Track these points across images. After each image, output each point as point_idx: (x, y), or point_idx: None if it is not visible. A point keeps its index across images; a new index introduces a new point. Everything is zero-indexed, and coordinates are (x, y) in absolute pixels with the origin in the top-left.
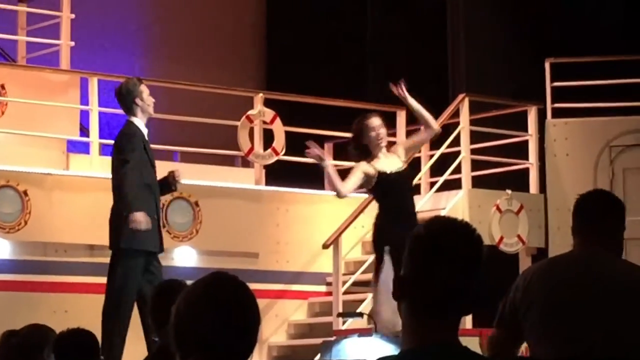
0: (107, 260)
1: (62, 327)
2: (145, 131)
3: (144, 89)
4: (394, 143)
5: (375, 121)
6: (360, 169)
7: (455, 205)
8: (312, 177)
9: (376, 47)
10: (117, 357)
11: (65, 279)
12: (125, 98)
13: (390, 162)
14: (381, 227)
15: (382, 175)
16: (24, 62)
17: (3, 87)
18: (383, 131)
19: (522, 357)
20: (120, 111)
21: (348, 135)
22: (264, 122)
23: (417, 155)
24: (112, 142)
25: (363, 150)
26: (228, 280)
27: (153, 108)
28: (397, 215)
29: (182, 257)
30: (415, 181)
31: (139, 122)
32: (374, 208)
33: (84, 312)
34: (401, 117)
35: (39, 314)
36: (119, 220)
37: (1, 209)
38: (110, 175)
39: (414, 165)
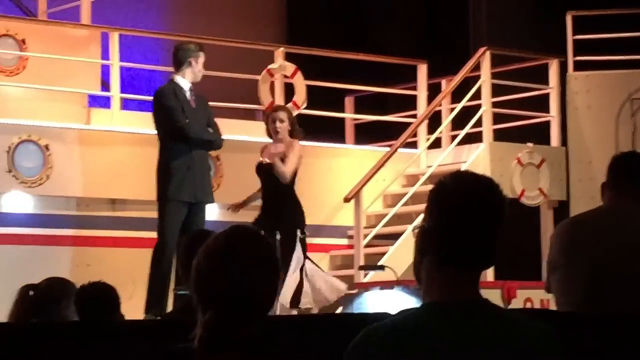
0: (128, 214)
1: (84, 281)
2: (187, 92)
3: (201, 56)
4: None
5: None
6: (298, 151)
7: (477, 158)
8: (334, 131)
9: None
10: (157, 306)
11: (87, 232)
12: (182, 54)
13: None
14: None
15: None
16: (44, 17)
17: (24, 42)
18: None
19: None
20: (140, 65)
21: (369, 88)
22: (285, 76)
23: (438, 108)
24: (132, 96)
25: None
26: (247, 233)
27: (198, 77)
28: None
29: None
30: (436, 134)
31: (184, 82)
32: (396, 160)
33: (106, 266)
34: (421, 71)
35: (62, 268)
36: (160, 171)
37: (23, 163)
38: (131, 130)
39: (434, 119)
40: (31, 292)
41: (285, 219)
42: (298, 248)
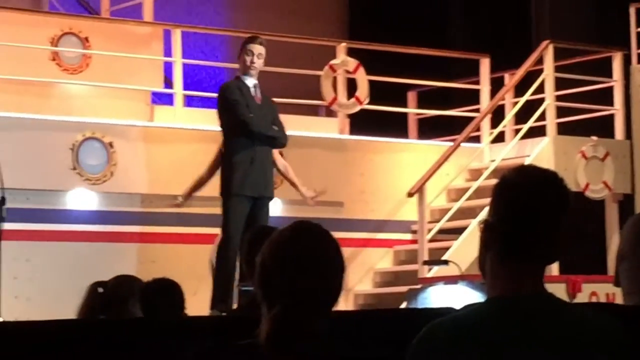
0: (192, 210)
1: (148, 278)
2: (252, 89)
3: (249, 48)
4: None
5: None
6: None
7: (541, 152)
8: (396, 126)
9: None
10: (222, 302)
11: (151, 229)
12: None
13: None
14: None
15: None
16: (107, 15)
17: (87, 40)
18: None
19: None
20: (203, 62)
21: (432, 83)
22: (347, 72)
23: (501, 102)
24: (195, 93)
25: None
26: (312, 229)
27: (250, 68)
28: None
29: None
30: (499, 128)
31: (249, 79)
32: (460, 155)
33: (170, 262)
34: (484, 65)
35: (126, 264)
36: (223, 166)
37: (87, 161)
38: (194, 126)
39: (497, 113)
40: (100, 289)
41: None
42: None
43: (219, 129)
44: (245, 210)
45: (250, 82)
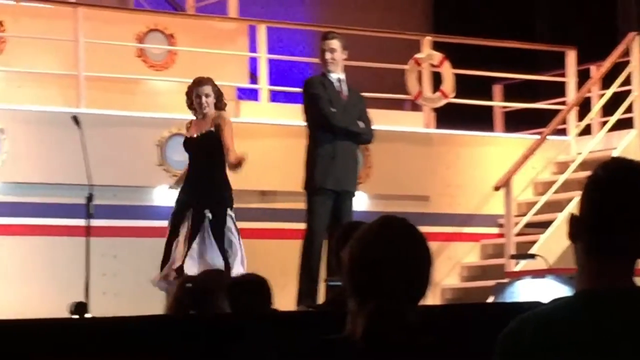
0: (278, 205)
1: None
2: (337, 84)
3: (322, 46)
4: None
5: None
6: (230, 123)
7: (628, 145)
8: (482, 119)
9: None
10: (309, 298)
11: (238, 224)
12: None
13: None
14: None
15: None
16: (193, 11)
17: (173, 36)
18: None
19: None
20: (288, 57)
21: (517, 76)
22: (432, 65)
23: (587, 95)
24: (280, 88)
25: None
26: (399, 223)
27: (328, 64)
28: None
29: (355, 201)
30: (586, 121)
31: (334, 74)
32: (546, 148)
33: (257, 258)
34: (570, 57)
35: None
36: (306, 160)
37: (174, 157)
38: (279, 122)
39: (584, 105)
40: (188, 284)
41: (216, 196)
42: (231, 224)
43: (304, 123)
44: (328, 205)
45: (334, 77)
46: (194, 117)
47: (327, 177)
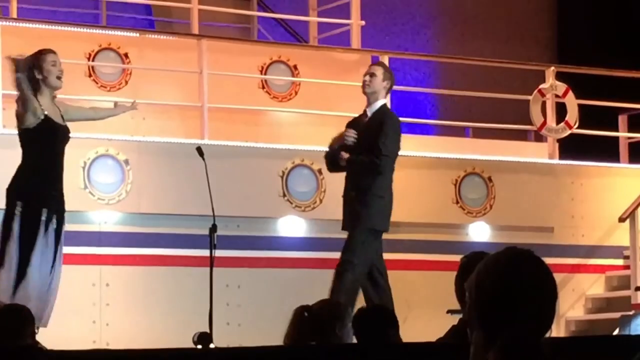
0: (401, 236)
1: (360, 303)
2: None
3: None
4: None
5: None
6: (32, 101)
7: None
8: (607, 150)
9: None
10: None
11: None
12: None
13: (55, 111)
14: (20, 178)
15: (48, 120)
16: (315, 42)
17: (296, 67)
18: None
19: None
20: (410, 88)
21: None
22: (556, 96)
23: None
24: (402, 119)
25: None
26: (526, 255)
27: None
28: (43, 170)
29: (477, 232)
30: None
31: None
32: None
33: None
34: None
35: None
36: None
37: (297, 188)
38: (402, 153)
39: None
40: (305, 314)
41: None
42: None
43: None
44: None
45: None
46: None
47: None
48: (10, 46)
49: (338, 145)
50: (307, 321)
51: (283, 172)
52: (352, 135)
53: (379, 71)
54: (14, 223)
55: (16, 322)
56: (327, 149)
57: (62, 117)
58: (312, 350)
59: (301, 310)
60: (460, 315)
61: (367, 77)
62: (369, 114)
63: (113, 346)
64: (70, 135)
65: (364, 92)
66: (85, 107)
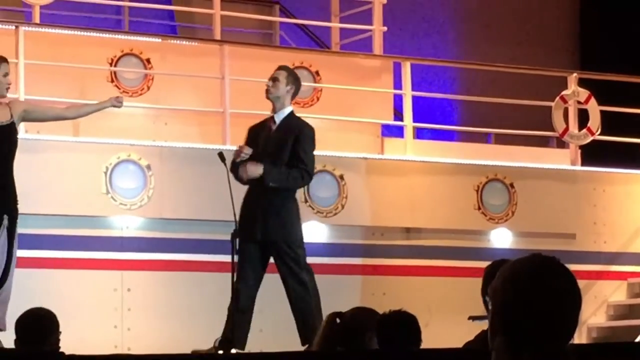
0: (423, 242)
1: (381, 310)
2: None
3: None
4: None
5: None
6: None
7: None
8: (629, 156)
9: None
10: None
11: (382, 261)
12: None
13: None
14: None
15: None
16: (337, 48)
17: (317, 73)
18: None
19: None
20: (433, 94)
21: None
22: (579, 102)
23: None
24: (425, 125)
25: None
26: (552, 262)
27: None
28: None
29: (498, 238)
30: None
31: None
32: None
33: (402, 295)
34: None
35: (358, 296)
36: None
37: (318, 193)
38: (424, 159)
39: None
40: (337, 320)
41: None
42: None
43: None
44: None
45: None
46: None
47: None
48: (33, 52)
49: (239, 160)
50: (337, 327)
51: None
52: (246, 153)
53: (282, 75)
54: None
55: (43, 327)
56: (232, 163)
57: (11, 116)
58: (333, 357)
59: (333, 315)
60: (483, 322)
61: (270, 82)
62: (277, 120)
63: (134, 351)
64: (18, 136)
65: (267, 98)
66: (57, 108)
